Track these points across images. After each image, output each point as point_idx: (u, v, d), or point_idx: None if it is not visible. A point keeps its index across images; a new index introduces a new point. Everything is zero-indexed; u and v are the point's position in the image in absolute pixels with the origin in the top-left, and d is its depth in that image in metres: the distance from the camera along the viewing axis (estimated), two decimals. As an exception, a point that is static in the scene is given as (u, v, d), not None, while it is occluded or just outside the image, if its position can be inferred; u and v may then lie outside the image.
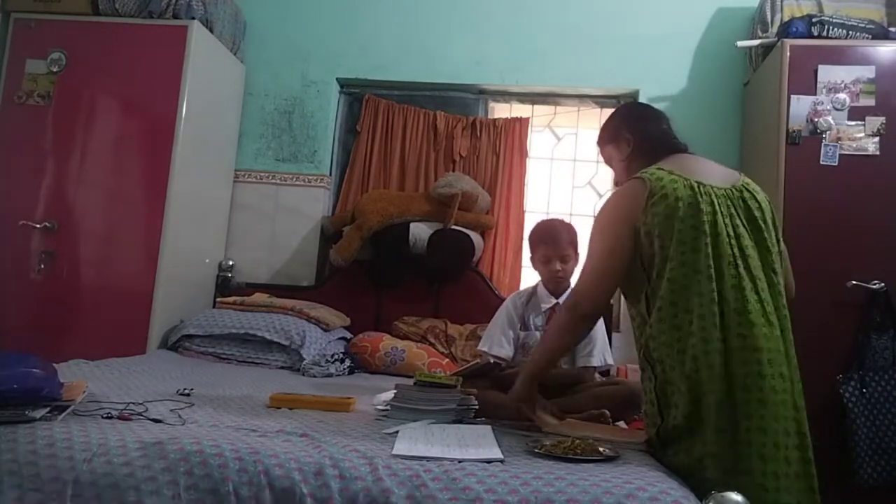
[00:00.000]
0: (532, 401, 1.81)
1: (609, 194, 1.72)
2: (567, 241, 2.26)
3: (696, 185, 1.61)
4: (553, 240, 2.25)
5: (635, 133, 1.82)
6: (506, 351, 2.29)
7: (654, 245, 1.59)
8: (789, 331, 1.60)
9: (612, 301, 3.14)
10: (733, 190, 1.66)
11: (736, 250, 1.57)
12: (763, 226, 1.63)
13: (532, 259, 2.35)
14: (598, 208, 1.75)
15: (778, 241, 1.69)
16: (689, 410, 1.51)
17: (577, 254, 2.29)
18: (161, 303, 2.95)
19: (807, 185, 2.71)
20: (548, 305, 2.29)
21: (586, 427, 1.82)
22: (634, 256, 1.63)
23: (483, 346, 2.34)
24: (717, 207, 1.59)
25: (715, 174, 1.69)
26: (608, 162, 1.94)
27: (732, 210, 1.62)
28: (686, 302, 1.54)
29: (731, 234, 1.58)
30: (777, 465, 1.44)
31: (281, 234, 3.57)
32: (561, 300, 2.27)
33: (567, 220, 3.39)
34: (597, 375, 2.38)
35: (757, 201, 1.66)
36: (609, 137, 1.90)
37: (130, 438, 1.37)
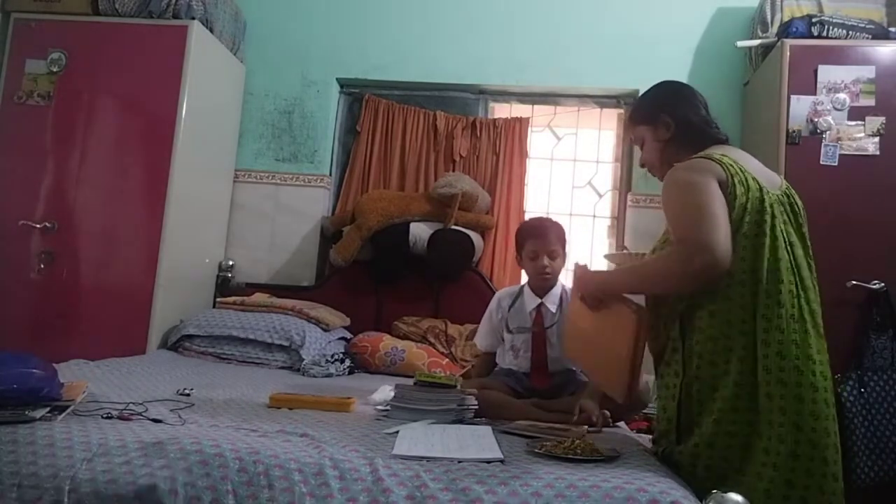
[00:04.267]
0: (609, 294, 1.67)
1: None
2: (555, 237, 2.22)
3: (757, 184, 1.56)
4: (541, 235, 2.21)
5: (676, 118, 1.72)
6: (488, 344, 2.35)
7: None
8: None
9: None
10: (784, 195, 1.63)
11: (792, 257, 1.54)
12: (807, 233, 1.62)
13: (518, 257, 2.31)
14: (666, 186, 1.59)
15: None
16: (729, 406, 1.48)
17: (565, 252, 2.25)
18: (161, 303, 2.95)
19: (807, 185, 2.65)
20: (533, 306, 2.23)
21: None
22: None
23: (475, 340, 2.45)
24: (775, 211, 1.55)
25: (765, 174, 1.64)
26: (638, 142, 1.83)
27: (785, 216, 1.59)
28: (743, 299, 1.50)
29: (786, 241, 1.55)
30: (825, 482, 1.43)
31: (281, 234, 3.57)
32: (545, 300, 2.23)
33: (567, 220, 3.44)
34: None
35: (800, 207, 1.65)
36: (644, 118, 1.79)
37: (130, 438, 1.37)
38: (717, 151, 1.62)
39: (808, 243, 1.62)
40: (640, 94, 1.90)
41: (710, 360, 1.52)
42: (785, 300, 1.50)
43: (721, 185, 1.52)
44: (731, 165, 1.55)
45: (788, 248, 1.54)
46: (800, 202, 1.67)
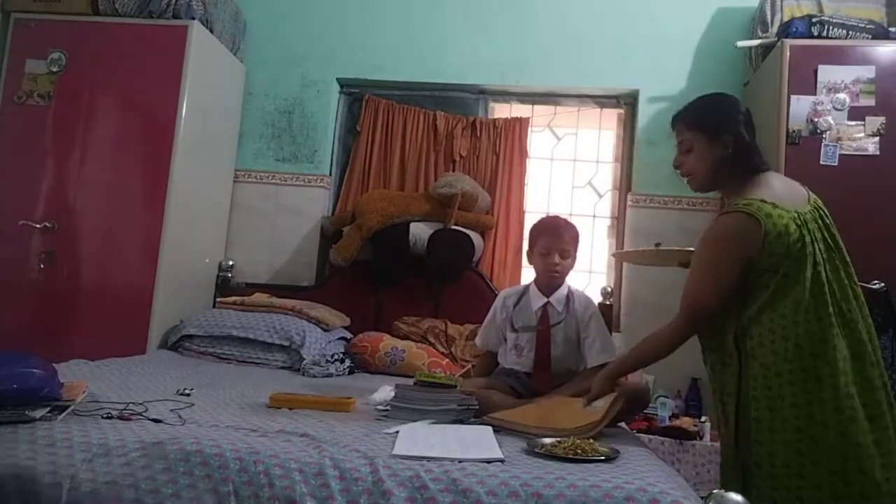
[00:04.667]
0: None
1: (717, 221, 1.71)
2: (569, 237, 2.23)
3: (796, 215, 1.64)
4: (555, 233, 2.22)
5: (740, 139, 1.73)
6: (489, 343, 2.36)
7: (762, 279, 1.63)
8: (875, 337, 1.69)
9: (611, 301, 3.17)
10: (815, 211, 1.69)
11: (830, 274, 1.63)
12: (838, 244, 1.68)
13: (530, 252, 2.31)
14: (705, 232, 1.72)
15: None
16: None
17: (576, 253, 2.26)
18: (161, 303, 2.95)
19: (807, 186, 2.70)
20: (539, 304, 2.23)
21: (549, 413, 1.81)
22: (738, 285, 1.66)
23: (477, 342, 2.45)
24: (812, 235, 1.63)
25: (798, 196, 1.72)
26: (684, 146, 1.81)
27: (816, 234, 1.65)
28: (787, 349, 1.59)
29: (821, 259, 1.63)
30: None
31: (281, 234, 3.57)
32: (552, 299, 2.23)
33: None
34: None
35: (830, 217, 1.71)
36: (704, 127, 1.76)
37: (130, 438, 1.37)
38: (755, 192, 1.68)
39: (840, 250, 1.69)
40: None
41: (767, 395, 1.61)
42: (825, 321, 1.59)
43: (750, 252, 1.62)
44: (768, 217, 1.61)
45: (824, 266, 1.62)
46: (825, 209, 1.73)
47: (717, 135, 1.74)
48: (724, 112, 1.78)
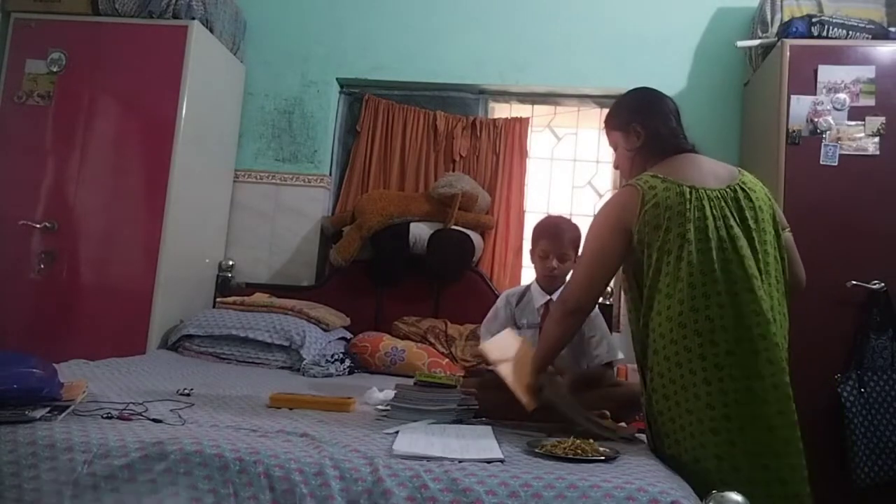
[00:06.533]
0: (552, 387, 1.81)
1: (607, 197, 1.75)
2: (568, 241, 2.24)
3: (687, 190, 1.63)
4: (554, 236, 2.24)
5: (647, 128, 1.81)
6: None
7: (644, 254, 1.63)
8: (786, 324, 1.63)
9: (611, 301, 3.17)
10: (728, 190, 1.67)
11: (731, 253, 1.58)
12: (754, 225, 1.64)
13: (531, 252, 2.34)
14: (596, 209, 1.77)
15: (778, 235, 1.70)
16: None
17: (576, 254, 2.26)
18: (161, 303, 2.95)
19: (807, 185, 2.71)
20: (541, 302, 2.26)
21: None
22: (624, 262, 1.70)
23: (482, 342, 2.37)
24: (707, 212, 1.61)
25: (711, 175, 1.70)
26: (612, 146, 1.93)
27: (726, 211, 1.63)
28: (681, 315, 1.57)
29: (725, 236, 1.59)
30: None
31: (281, 234, 3.57)
32: (554, 297, 2.24)
33: (567, 220, 3.44)
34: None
35: (751, 200, 1.67)
36: (618, 125, 1.88)
37: (130, 438, 1.37)
38: (658, 168, 1.72)
39: (757, 234, 1.63)
40: (614, 101, 1.97)
41: (670, 377, 1.59)
42: (725, 300, 1.55)
43: (628, 218, 1.65)
44: (650, 189, 1.64)
45: (726, 244, 1.58)
46: (754, 194, 1.68)
47: (627, 127, 1.84)
48: (630, 105, 1.88)
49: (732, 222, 1.61)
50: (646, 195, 1.63)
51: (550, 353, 1.82)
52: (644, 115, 1.83)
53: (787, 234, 1.76)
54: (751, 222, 1.63)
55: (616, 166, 1.97)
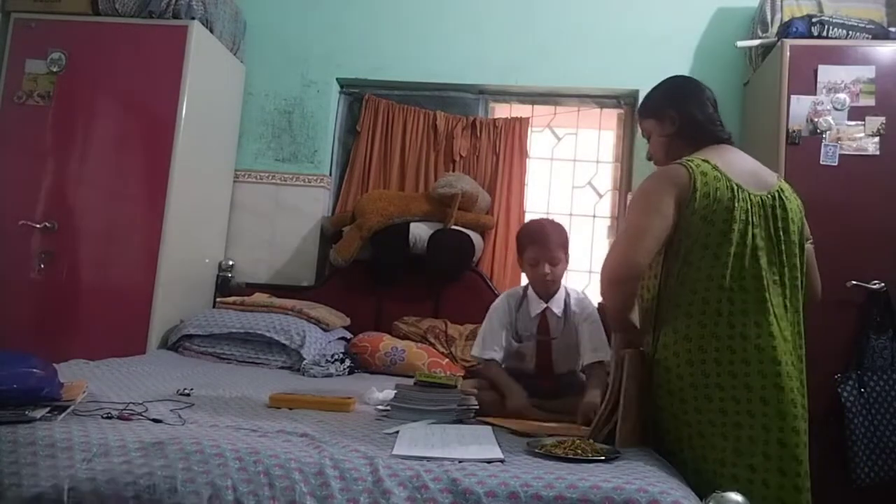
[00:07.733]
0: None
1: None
2: (557, 243, 2.16)
3: (735, 188, 1.60)
4: (542, 241, 2.14)
5: (682, 114, 1.77)
6: (497, 354, 2.18)
7: (680, 238, 1.60)
8: (802, 337, 1.65)
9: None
10: (767, 196, 1.65)
11: (762, 262, 1.58)
12: (785, 237, 1.63)
13: (519, 260, 2.25)
14: (636, 186, 1.73)
15: (802, 247, 1.69)
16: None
17: (567, 256, 2.20)
18: (161, 303, 2.95)
19: (807, 185, 2.67)
20: (538, 311, 2.18)
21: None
22: (673, 228, 1.60)
23: (475, 351, 2.25)
24: (749, 216, 1.59)
25: (754, 176, 1.68)
26: (645, 135, 1.89)
27: (759, 219, 1.62)
28: (697, 310, 1.57)
29: (759, 245, 1.59)
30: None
31: (281, 234, 3.57)
32: (550, 304, 2.18)
33: (567, 220, 3.44)
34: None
35: (785, 210, 1.66)
36: (652, 111, 1.84)
37: (130, 438, 1.37)
38: (704, 154, 1.66)
39: (786, 246, 1.64)
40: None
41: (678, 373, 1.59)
42: (751, 308, 1.56)
43: (681, 196, 1.58)
44: (703, 174, 1.59)
45: (759, 252, 1.58)
46: (791, 204, 1.68)
47: (661, 114, 1.80)
48: (665, 91, 1.85)
49: (763, 233, 1.61)
50: (697, 180, 1.58)
51: (618, 317, 1.72)
52: (679, 101, 1.79)
53: (809, 246, 1.75)
54: (781, 233, 1.63)
55: (649, 157, 1.90)
